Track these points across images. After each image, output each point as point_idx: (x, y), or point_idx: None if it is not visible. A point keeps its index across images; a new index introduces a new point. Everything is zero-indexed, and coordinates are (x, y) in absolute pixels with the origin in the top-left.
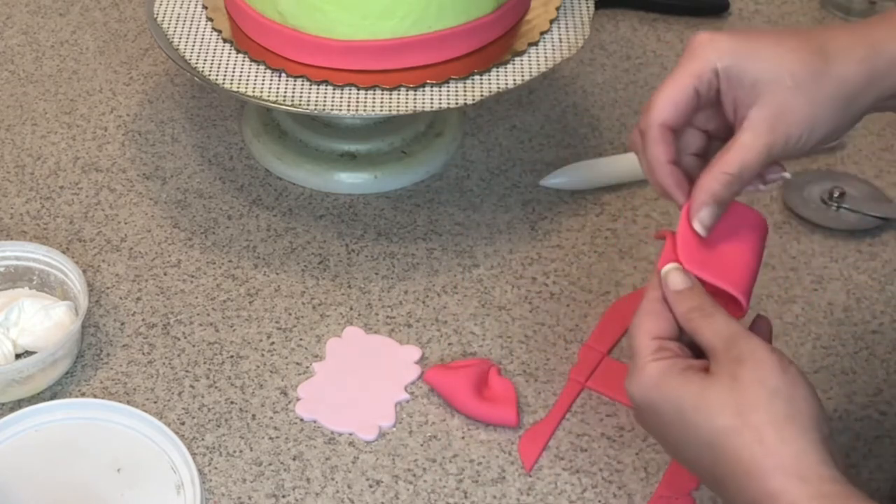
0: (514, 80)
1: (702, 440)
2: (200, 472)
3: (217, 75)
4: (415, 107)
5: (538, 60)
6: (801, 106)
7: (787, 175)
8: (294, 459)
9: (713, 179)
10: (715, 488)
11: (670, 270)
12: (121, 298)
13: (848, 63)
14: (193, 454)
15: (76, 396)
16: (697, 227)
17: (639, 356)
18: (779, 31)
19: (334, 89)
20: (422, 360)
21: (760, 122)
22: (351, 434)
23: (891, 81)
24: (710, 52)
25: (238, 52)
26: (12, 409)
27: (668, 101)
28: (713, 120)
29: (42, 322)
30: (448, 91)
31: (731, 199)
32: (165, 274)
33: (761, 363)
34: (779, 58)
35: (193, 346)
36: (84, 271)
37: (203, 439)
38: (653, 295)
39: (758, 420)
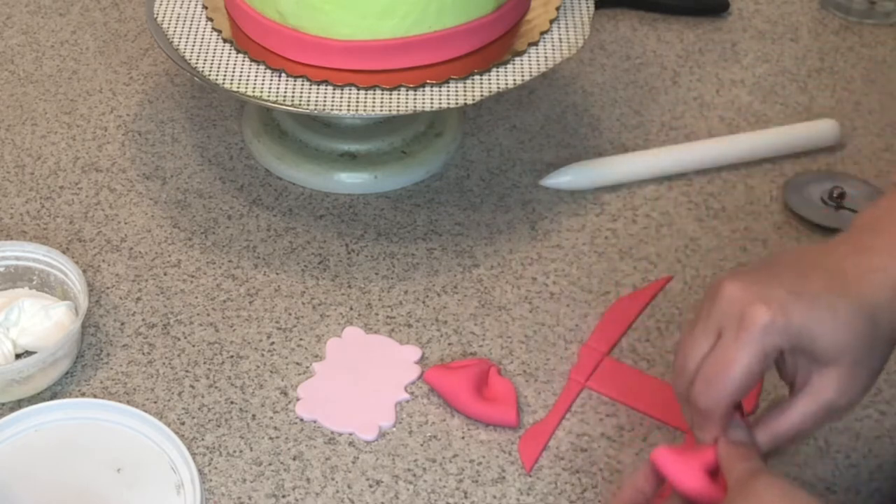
0: (514, 80)
1: None
2: (200, 472)
3: (217, 75)
4: (415, 107)
5: (538, 60)
6: (860, 377)
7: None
8: (294, 459)
9: (765, 433)
10: None
11: None
12: (121, 298)
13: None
14: (193, 454)
15: (76, 396)
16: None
17: None
18: (830, 287)
19: (334, 89)
20: (422, 360)
21: (823, 392)
22: (351, 434)
23: None
24: (775, 337)
25: (238, 52)
26: (12, 409)
27: (737, 385)
28: None
29: (42, 322)
30: (448, 91)
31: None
32: (165, 274)
33: (768, 488)
34: (837, 334)
35: (193, 346)
36: (84, 271)
37: (203, 439)
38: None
39: None
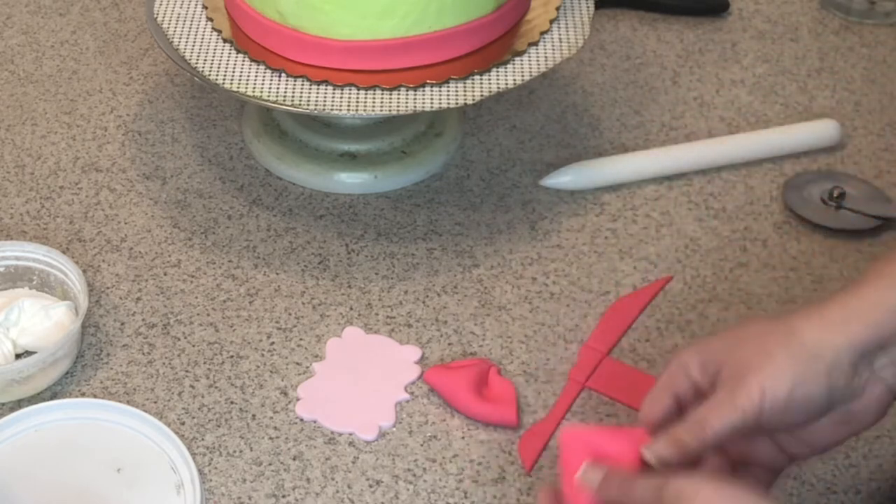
0: (514, 80)
1: None
2: (200, 472)
3: (217, 75)
4: (415, 107)
5: (538, 60)
6: (781, 370)
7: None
8: (294, 459)
9: (682, 428)
10: None
11: (583, 472)
12: (121, 298)
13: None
14: (193, 454)
15: (76, 396)
16: (649, 455)
17: None
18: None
19: (334, 89)
20: (422, 360)
21: (726, 385)
22: (351, 434)
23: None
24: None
25: (238, 52)
26: (12, 409)
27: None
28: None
29: (42, 322)
30: (448, 91)
31: (690, 452)
32: (165, 274)
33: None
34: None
35: (193, 346)
36: (84, 271)
37: (203, 439)
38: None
39: None
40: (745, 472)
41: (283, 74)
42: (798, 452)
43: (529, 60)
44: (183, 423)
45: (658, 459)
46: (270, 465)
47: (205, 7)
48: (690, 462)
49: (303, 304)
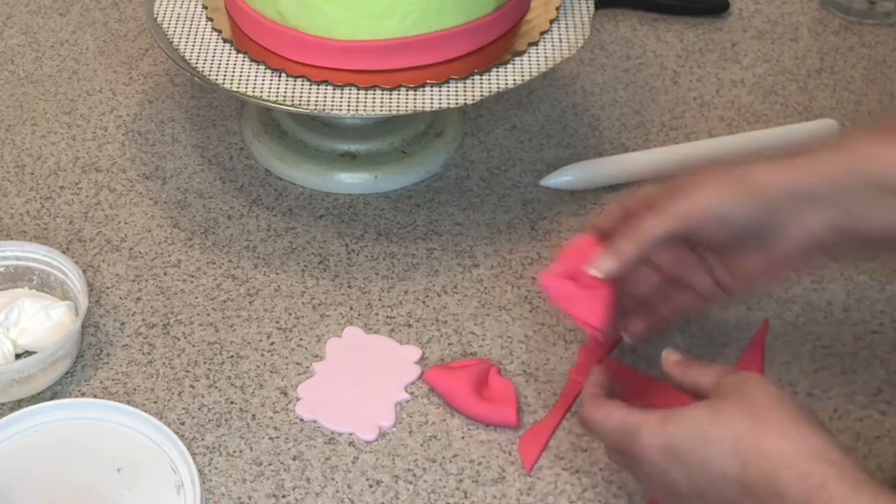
0: (514, 80)
1: (726, 451)
2: (200, 472)
3: (217, 75)
4: (415, 107)
5: (538, 60)
6: (717, 189)
7: (626, 340)
8: (294, 459)
9: (621, 237)
10: (744, 498)
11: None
12: (121, 298)
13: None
14: (193, 454)
15: (76, 396)
16: (593, 270)
17: (627, 422)
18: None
19: (334, 89)
20: (422, 360)
21: (665, 198)
22: (351, 434)
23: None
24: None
25: (238, 52)
26: (12, 409)
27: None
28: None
29: (42, 322)
30: (448, 91)
31: (631, 259)
32: (165, 274)
33: (761, 381)
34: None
35: (193, 346)
36: (84, 271)
37: (203, 439)
38: (592, 384)
39: (775, 417)
40: (678, 292)
41: (283, 74)
42: (727, 283)
43: (529, 60)
44: (183, 423)
45: (604, 272)
46: (270, 465)
47: (205, 7)
48: (630, 276)
49: (303, 304)
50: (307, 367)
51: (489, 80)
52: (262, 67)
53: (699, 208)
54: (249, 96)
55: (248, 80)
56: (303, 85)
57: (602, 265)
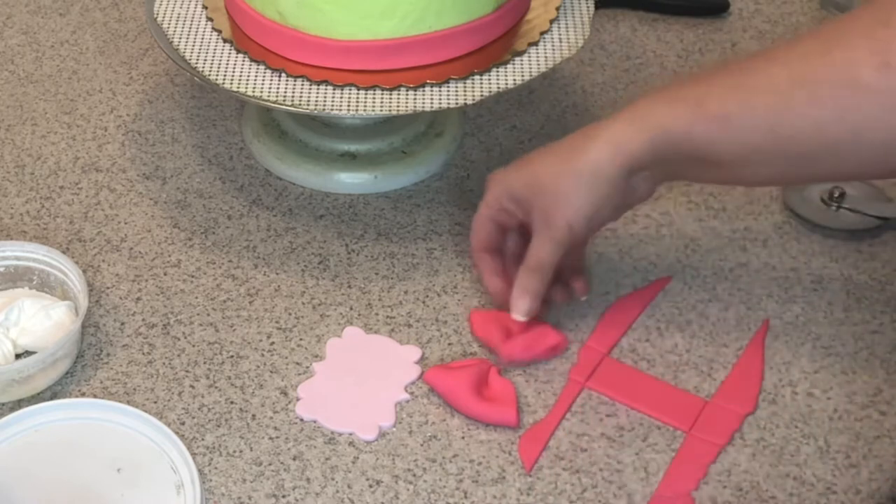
0: (514, 80)
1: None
2: (200, 472)
3: (217, 75)
4: (415, 107)
5: (538, 60)
6: (565, 198)
7: (582, 299)
8: (294, 459)
9: (523, 276)
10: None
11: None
12: (121, 298)
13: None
14: (193, 454)
15: (76, 396)
16: (517, 316)
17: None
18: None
19: (334, 89)
20: (422, 360)
21: (540, 224)
22: (351, 434)
23: (641, 154)
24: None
25: (238, 52)
26: (12, 409)
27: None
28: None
29: (42, 322)
30: (448, 91)
31: (542, 289)
32: (165, 274)
33: None
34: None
35: (193, 346)
36: (84, 271)
37: (203, 439)
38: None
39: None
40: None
41: (283, 74)
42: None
43: (529, 60)
44: (183, 423)
45: (525, 313)
46: (270, 465)
47: (205, 7)
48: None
49: (303, 304)
50: (307, 367)
51: (489, 80)
52: (262, 67)
53: (573, 228)
54: (249, 96)
55: (248, 80)
56: (303, 85)
57: (521, 308)
